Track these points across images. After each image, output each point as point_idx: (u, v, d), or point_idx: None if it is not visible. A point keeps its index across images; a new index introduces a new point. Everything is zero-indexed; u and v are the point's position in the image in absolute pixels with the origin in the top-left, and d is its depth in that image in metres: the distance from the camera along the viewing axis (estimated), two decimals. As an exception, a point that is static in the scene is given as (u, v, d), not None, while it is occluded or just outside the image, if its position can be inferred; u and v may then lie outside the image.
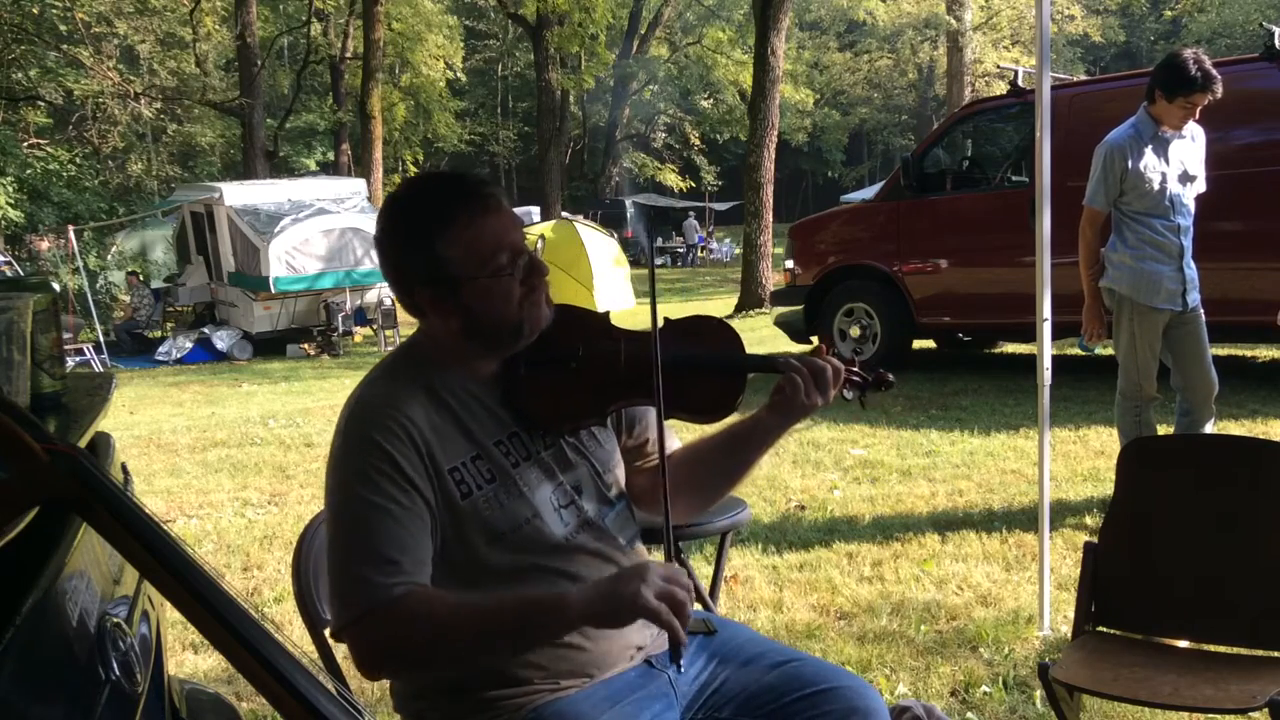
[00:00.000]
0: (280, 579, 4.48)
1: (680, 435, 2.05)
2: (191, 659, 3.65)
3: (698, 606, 3.18)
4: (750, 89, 17.35)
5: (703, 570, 3.83)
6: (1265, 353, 8.66)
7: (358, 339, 17.52)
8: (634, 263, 28.43)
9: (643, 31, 37.00)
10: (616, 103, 37.28)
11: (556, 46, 28.92)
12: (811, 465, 5.94)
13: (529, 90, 40.06)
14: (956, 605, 3.81)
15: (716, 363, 1.82)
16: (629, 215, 34.66)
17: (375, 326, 16.84)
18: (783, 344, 10.75)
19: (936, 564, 4.27)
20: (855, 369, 1.85)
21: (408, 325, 18.67)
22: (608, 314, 1.87)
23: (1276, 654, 2.36)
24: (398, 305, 18.13)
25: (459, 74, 36.96)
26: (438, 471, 1.66)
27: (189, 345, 16.72)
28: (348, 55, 29.78)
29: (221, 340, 16.84)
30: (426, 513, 1.64)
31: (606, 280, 18.59)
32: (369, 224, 17.29)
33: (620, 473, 1.89)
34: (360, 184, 19.48)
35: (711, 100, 36.73)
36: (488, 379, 1.77)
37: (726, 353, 1.83)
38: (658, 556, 1.88)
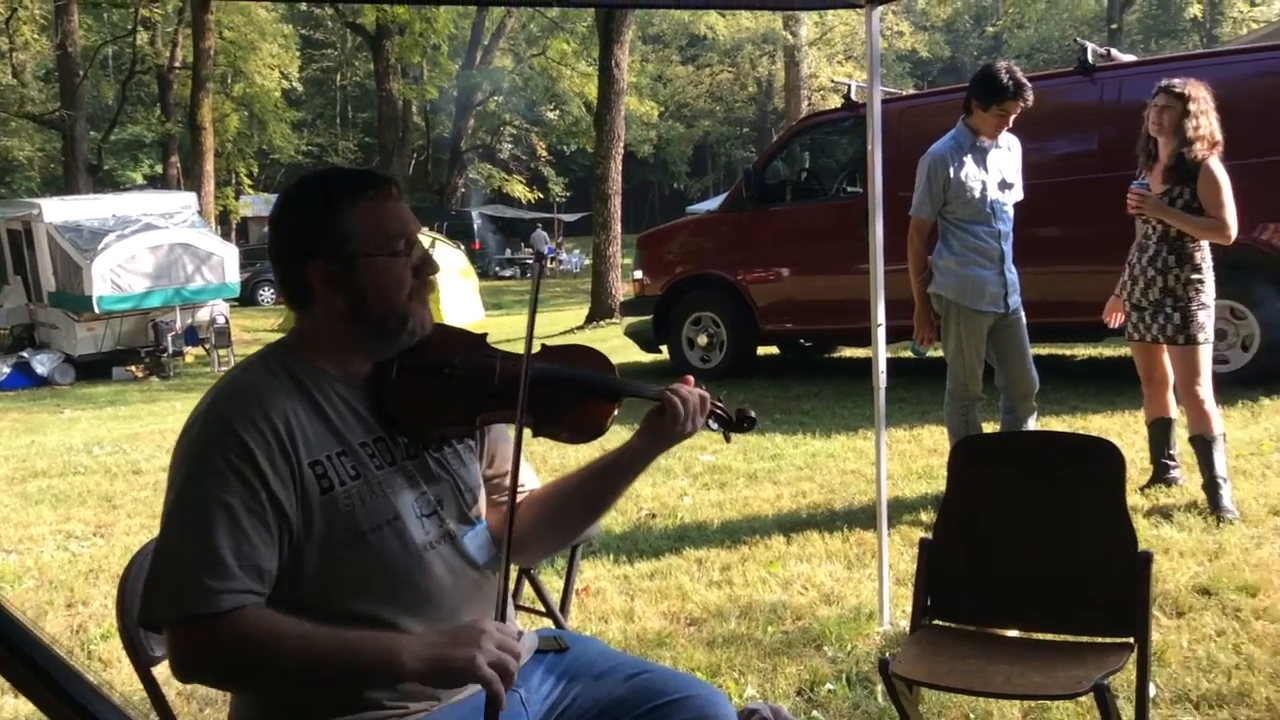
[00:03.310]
0: (107, 614, 4.23)
1: (542, 474, 2.04)
2: (11, 703, 3.41)
3: (548, 623, 3.17)
4: (596, 101, 17.43)
5: (554, 584, 3.80)
6: (1083, 351, 9.18)
7: (189, 359, 16.78)
8: (482, 275, 28.19)
9: (486, 42, 36.78)
10: (461, 113, 36.92)
11: (398, 56, 28.43)
12: (662, 473, 5.98)
13: (369, 100, 39.30)
14: (801, 605, 3.89)
15: (590, 383, 1.82)
16: (476, 227, 34.41)
17: (208, 346, 16.19)
18: (633, 354, 10.83)
19: (782, 565, 4.35)
20: (719, 403, 1.91)
21: (243, 345, 17.94)
22: (484, 335, 1.87)
23: (1100, 640, 2.47)
24: (231, 323, 17.42)
25: (295, 84, 35.95)
26: (299, 464, 1.61)
27: (5, 370, 15.69)
28: (176, 65, 28.60)
29: (41, 364, 15.87)
30: (275, 520, 1.58)
31: (454, 292, 18.37)
32: (200, 239, 16.61)
33: (481, 496, 1.87)
34: (190, 198, 18.71)
35: (558, 111, 36.75)
36: (358, 381, 1.75)
37: (601, 375, 1.84)
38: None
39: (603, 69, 16.23)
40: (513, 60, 38.01)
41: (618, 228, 16.30)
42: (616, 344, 11.73)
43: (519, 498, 1.88)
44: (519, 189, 36.25)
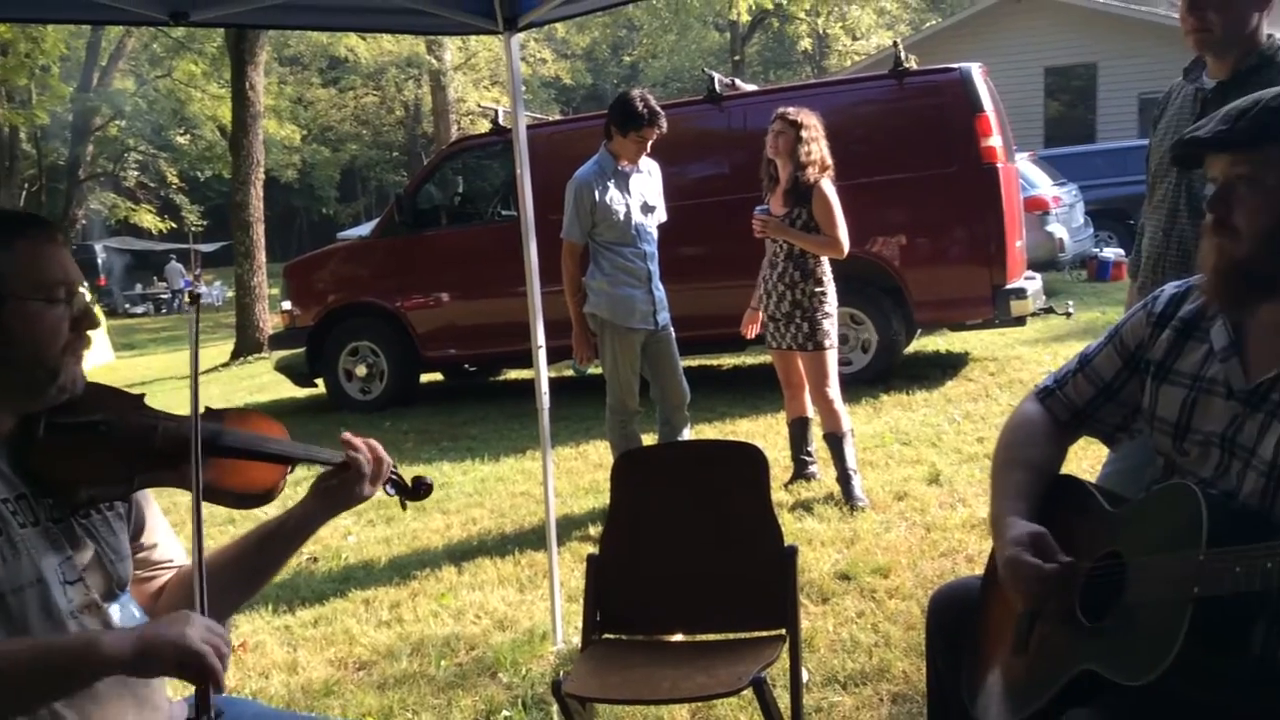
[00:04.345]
0: None
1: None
2: None
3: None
4: (230, 124, 16.51)
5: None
6: (728, 361, 9.78)
7: None
8: (110, 312, 25.92)
9: (104, 64, 33.87)
10: (78, 139, 33.71)
11: (1, 79, 25.58)
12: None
13: (-33, 124, 35.05)
14: (475, 634, 3.85)
15: (260, 447, 1.74)
16: (100, 260, 31.64)
17: None
18: (285, 389, 10.33)
19: (454, 596, 4.29)
20: (395, 470, 1.87)
21: None
22: (143, 395, 1.73)
23: (757, 635, 2.62)
24: None
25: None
26: None
27: None
28: None
29: None
30: None
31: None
32: None
33: (129, 568, 1.73)
34: None
35: (189, 136, 34.49)
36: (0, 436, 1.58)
37: (271, 438, 1.76)
38: None
39: (236, 91, 15.42)
40: (135, 82, 35.27)
41: (262, 257, 15.49)
42: (267, 380, 11.15)
43: (169, 575, 1.80)
44: (149, 218, 33.59)
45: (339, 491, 1.78)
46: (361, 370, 9.19)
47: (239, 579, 1.80)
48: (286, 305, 9.61)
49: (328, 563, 4.96)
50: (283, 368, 9.86)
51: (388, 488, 1.85)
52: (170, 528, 1.84)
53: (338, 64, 38.27)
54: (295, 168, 36.98)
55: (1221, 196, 1.61)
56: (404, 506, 1.93)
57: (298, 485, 1.81)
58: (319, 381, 9.57)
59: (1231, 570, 1.42)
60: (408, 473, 1.91)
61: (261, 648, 3.92)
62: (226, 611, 1.89)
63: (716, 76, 8.30)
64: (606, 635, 2.70)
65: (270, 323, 14.81)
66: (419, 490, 1.90)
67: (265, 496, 1.74)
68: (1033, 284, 8.01)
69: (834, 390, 5.00)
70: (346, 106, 39.25)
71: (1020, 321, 8.04)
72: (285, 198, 39.73)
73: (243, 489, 1.72)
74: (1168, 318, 1.82)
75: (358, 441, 1.80)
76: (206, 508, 1.59)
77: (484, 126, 12.42)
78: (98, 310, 1.75)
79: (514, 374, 10.34)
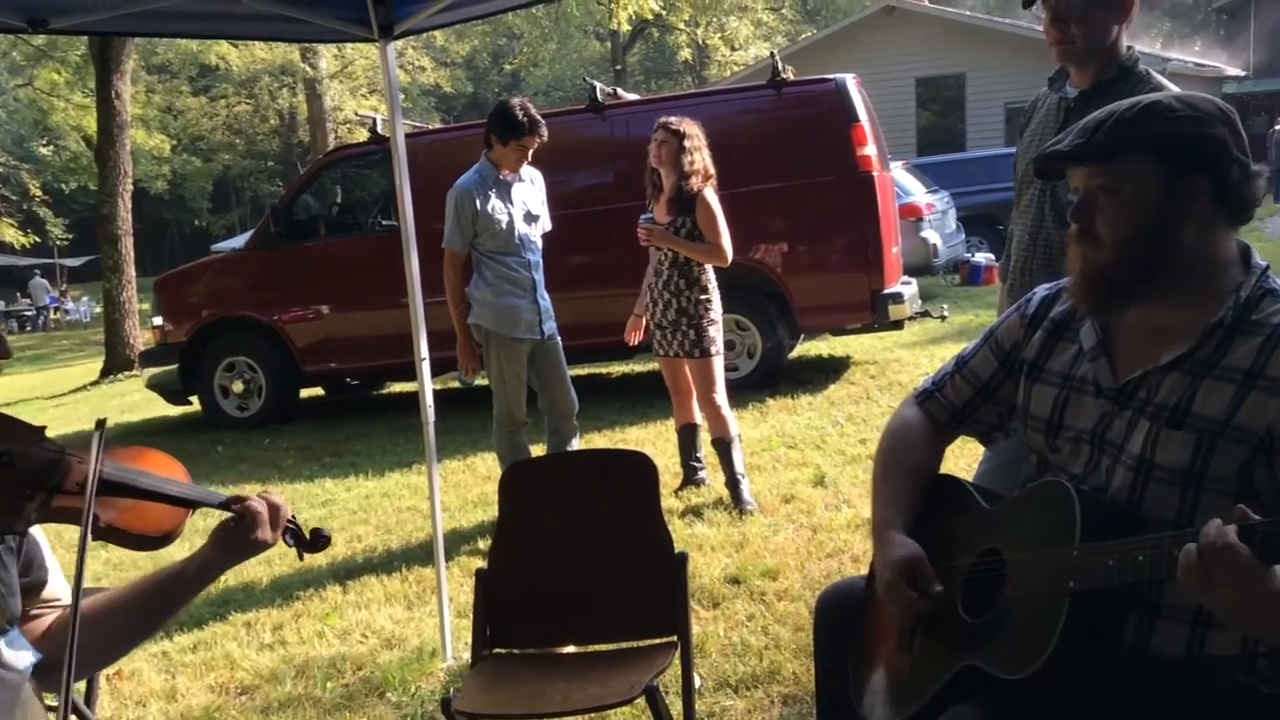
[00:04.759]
0: None
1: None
2: None
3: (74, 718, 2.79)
4: (96, 135, 15.87)
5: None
6: (617, 369, 9.79)
7: None
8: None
9: (-45, 70, 32.27)
10: (-73, 149, 32.08)
11: None
12: (201, 535, 5.53)
13: None
14: (362, 654, 3.76)
15: (161, 489, 1.67)
16: (-43, 278, 30.09)
17: None
18: (159, 408, 9.96)
19: (339, 615, 4.18)
20: (294, 521, 1.84)
21: None
22: (44, 427, 1.64)
23: (649, 642, 2.61)
24: None
25: None
26: None
27: None
28: None
29: None
30: None
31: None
32: None
33: (19, 603, 1.64)
34: None
35: (53, 147, 33.07)
36: None
37: (173, 481, 1.70)
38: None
39: (101, 100, 14.83)
40: (-9, 90, 33.66)
41: (132, 271, 14.91)
42: (139, 398, 10.75)
43: (55, 614, 1.73)
44: (10, 232, 32.06)
45: (238, 538, 1.73)
46: (238, 386, 8.92)
47: (133, 624, 1.74)
48: (158, 321, 9.27)
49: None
50: (155, 385, 9.50)
51: (286, 537, 1.82)
52: (59, 565, 1.77)
53: (208, 72, 37.14)
54: (165, 179, 35.79)
55: (1083, 206, 1.67)
56: (301, 557, 1.91)
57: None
58: (193, 399, 9.25)
59: (1104, 564, 1.46)
60: (301, 507, 1.87)
61: (138, 675, 3.76)
62: (118, 655, 1.82)
63: (598, 85, 8.31)
64: (497, 650, 2.67)
65: (141, 339, 14.27)
66: (317, 542, 1.88)
67: (164, 539, 1.69)
68: (909, 289, 8.21)
69: (721, 396, 5.04)
70: (218, 115, 38.07)
71: (898, 325, 8.25)
72: (155, 210, 38.44)
73: (141, 530, 1.67)
74: (1040, 319, 1.87)
75: (249, 497, 1.76)
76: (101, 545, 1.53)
77: (362, 135, 12.20)
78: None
79: (398, 387, 10.16)
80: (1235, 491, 1.53)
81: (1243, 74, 28.73)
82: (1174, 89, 1.94)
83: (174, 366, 9.10)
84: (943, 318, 9.33)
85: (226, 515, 1.75)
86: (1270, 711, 1.57)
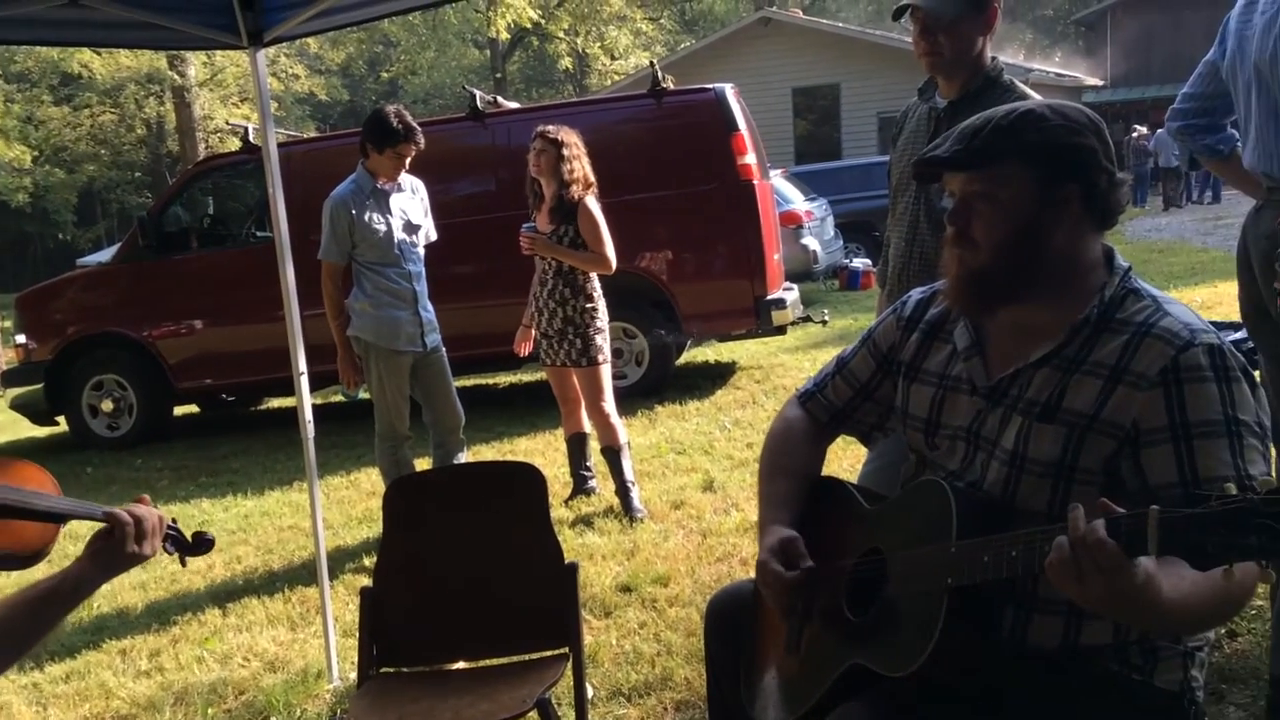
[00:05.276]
0: None
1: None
2: None
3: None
4: (-54, 144, 15.10)
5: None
6: (504, 379, 9.71)
7: None
8: None
9: None
10: None
11: None
12: (68, 559, 5.28)
13: None
14: (244, 678, 3.64)
15: (26, 504, 1.60)
16: None
17: None
18: (24, 429, 9.51)
19: (219, 639, 4.04)
20: (174, 526, 1.77)
21: None
22: None
23: (541, 655, 2.59)
24: None
25: None
26: None
27: None
28: None
29: None
30: None
31: None
32: None
33: None
34: None
35: (-100, 158, 31.34)
36: None
37: (40, 494, 1.63)
38: None
39: (-46, 107, 14.15)
40: None
41: (-9, 287, 14.24)
42: (2, 419, 10.25)
43: None
44: None
45: (115, 551, 1.66)
46: (108, 405, 8.57)
47: (4, 644, 1.65)
48: (20, 339, 8.85)
49: (76, 612, 4.57)
50: (19, 406, 9.07)
51: (167, 545, 1.74)
52: None
53: (71, 80, 35.68)
54: (27, 191, 34.21)
55: (960, 210, 1.71)
56: (183, 563, 1.83)
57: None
58: (60, 419, 8.86)
59: (980, 559, 1.50)
60: (183, 520, 1.80)
61: (7, 709, 3.58)
62: None
63: (478, 94, 8.25)
64: (385, 669, 2.61)
65: (3, 358, 13.61)
66: (200, 546, 1.81)
67: (33, 557, 1.63)
68: (791, 294, 8.36)
69: (609, 404, 5.04)
70: (82, 125, 36.56)
71: (781, 330, 8.38)
72: (16, 223, 36.75)
73: (8, 548, 1.60)
74: (915, 321, 1.92)
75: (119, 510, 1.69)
76: None
77: (234, 144, 11.88)
78: None
79: (276, 402, 9.90)
80: (1101, 483, 1.59)
81: (1101, 84, 30.18)
82: (1038, 98, 2.01)
83: (39, 386, 8.72)
84: (824, 322, 9.52)
85: (100, 527, 1.68)
86: (1142, 698, 1.63)
